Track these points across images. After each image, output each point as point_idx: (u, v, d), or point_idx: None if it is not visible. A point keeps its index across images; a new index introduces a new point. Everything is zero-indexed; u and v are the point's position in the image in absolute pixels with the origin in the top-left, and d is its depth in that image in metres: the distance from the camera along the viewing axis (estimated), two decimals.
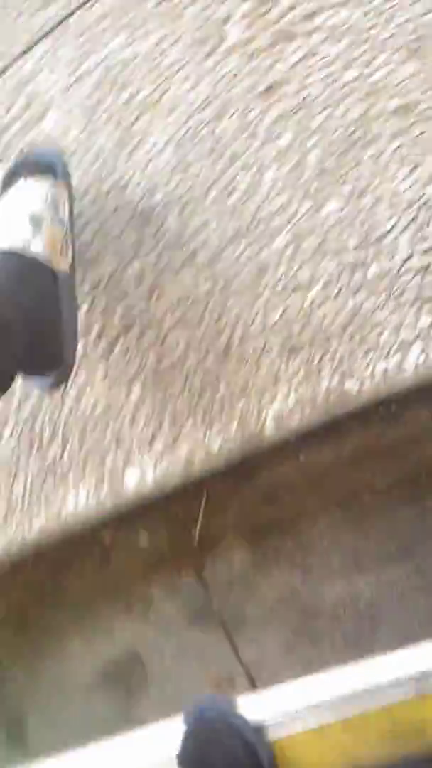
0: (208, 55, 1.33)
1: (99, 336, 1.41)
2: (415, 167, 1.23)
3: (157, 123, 1.37)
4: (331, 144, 1.27)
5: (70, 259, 1.33)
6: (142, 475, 1.38)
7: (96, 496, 1.43)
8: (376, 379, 1.25)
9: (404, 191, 1.24)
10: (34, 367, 1.30)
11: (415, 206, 1.23)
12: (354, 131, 1.26)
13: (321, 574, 1.37)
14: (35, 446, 1.47)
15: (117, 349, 1.38)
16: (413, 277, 1.23)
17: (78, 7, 1.43)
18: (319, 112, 1.28)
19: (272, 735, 1.32)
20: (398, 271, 1.24)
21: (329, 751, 1.28)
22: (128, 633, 1.52)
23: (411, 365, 1.23)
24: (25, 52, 1.45)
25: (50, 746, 1.58)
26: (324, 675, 1.34)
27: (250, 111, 1.31)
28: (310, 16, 1.28)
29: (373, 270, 1.25)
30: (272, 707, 1.35)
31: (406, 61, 1.23)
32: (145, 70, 1.37)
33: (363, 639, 1.35)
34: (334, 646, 1.37)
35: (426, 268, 1.23)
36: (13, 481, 1.50)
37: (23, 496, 1.49)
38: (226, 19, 1.32)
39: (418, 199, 1.23)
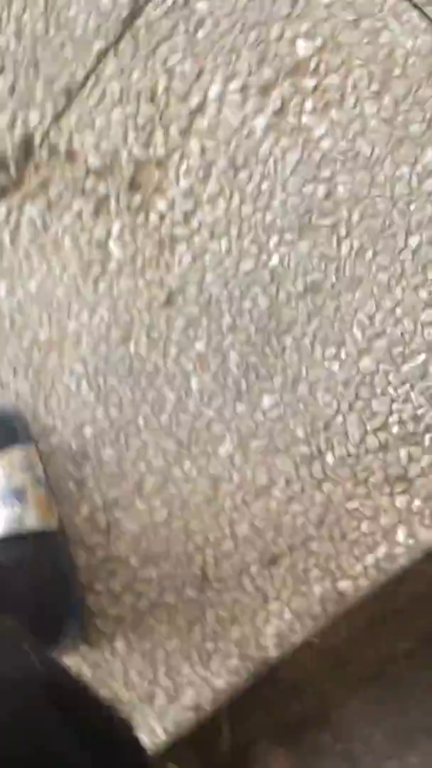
0: (98, 278, 0.98)
1: None
2: (340, 345, 0.88)
3: (66, 360, 1.02)
4: (248, 339, 0.93)
5: (56, 512, 1.02)
6: (151, 731, 1.00)
7: None
8: (369, 573, 0.90)
9: (337, 371, 0.89)
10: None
11: (353, 385, 0.89)
12: (268, 321, 0.91)
13: (369, 759, 1.01)
14: None
15: (88, 606, 1.03)
16: (374, 458, 0.88)
17: None
18: (227, 310, 0.93)
19: None
20: (357, 454, 0.89)
21: None
22: None
23: (401, 550, 0.87)
24: None
25: None
26: None
27: (156, 325, 0.97)
28: (189, 215, 0.94)
29: (330, 458, 0.90)
30: None
31: (299, 239, 0.90)
32: (39, 311, 1.02)
33: None
34: None
35: (384, 446, 0.88)
36: None
37: None
38: (105, 239, 0.96)
39: (354, 377, 0.88)
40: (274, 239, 0.92)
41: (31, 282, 1.02)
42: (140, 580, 0.99)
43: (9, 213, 1.01)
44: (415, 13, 0.85)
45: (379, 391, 0.89)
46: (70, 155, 0.99)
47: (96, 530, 1.02)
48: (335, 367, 0.91)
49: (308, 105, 0.91)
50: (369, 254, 0.89)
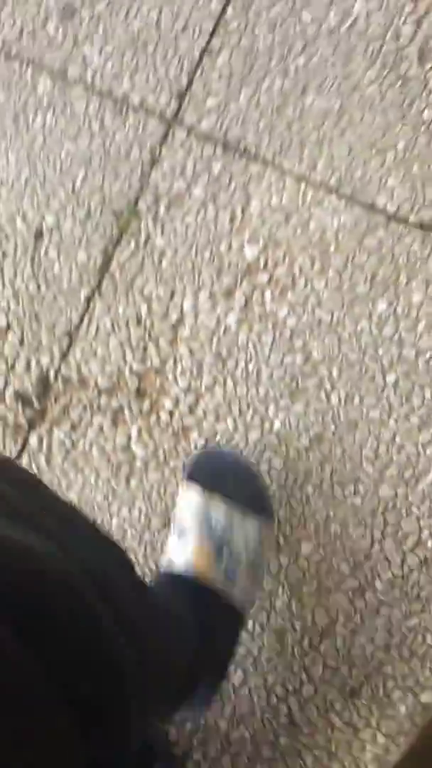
0: (129, 477, 0.85)
1: None
2: (357, 482, 0.77)
3: None
4: (272, 495, 0.77)
5: (255, 597, 0.76)
6: None
7: None
8: None
9: (360, 505, 0.77)
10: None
11: (379, 513, 0.77)
12: (286, 478, 0.80)
13: None
14: None
15: None
16: (419, 573, 0.75)
17: None
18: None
19: None
20: (402, 574, 0.75)
21: None
22: None
23: None
24: None
25: None
26: None
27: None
28: (193, 407, 0.83)
29: (379, 585, 0.77)
30: None
31: (293, 403, 0.80)
32: None
33: None
34: None
35: (425, 560, 0.75)
36: None
37: None
38: (127, 443, 0.85)
39: (378, 506, 0.76)
40: (272, 408, 0.82)
41: (71, 494, 0.89)
42: (233, 742, 0.81)
43: (41, 440, 0.89)
44: (333, 197, 0.79)
45: (404, 512, 0.77)
46: (82, 382, 0.88)
47: None
48: (357, 501, 0.79)
49: (267, 295, 0.83)
50: (356, 399, 0.80)
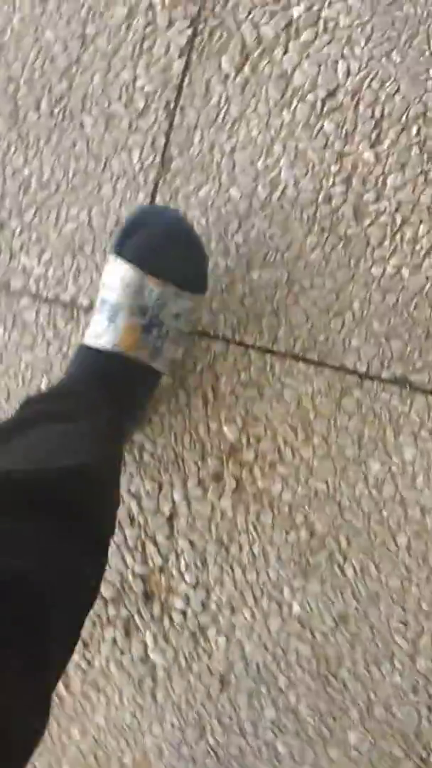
0: (153, 690, 0.68)
1: None
2: (391, 657, 0.62)
3: None
4: (309, 688, 0.62)
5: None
6: None
7: None
8: None
9: (401, 681, 0.62)
10: None
11: (421, 688, 0.61)
12: (318, 665, 0.64)
13: None
14: None
15: None
16: None
17: None
18: (278, 670, 0.65)
19: None
20: None
21: None
22: None
23: None
24: None
25: None
26: None
27: (222, 711, 0.64)
28: (205, 602, 0.67)
29: None
30: None
31: (307, 582, 0.63)
32: (115, 740, 0.68)
33: None
34: None
35: None
36: None
37: None
38: (144, 652, 0.69)
39: (418, 680, 0.62)
40: (287, 591, 0.67)
41: (98, 716, 0.72)
42: None
43: None
44: (300, 364, 0.64)
45: None
46: None
47: None
48: (397, 678, 0.64)
49: (257, 472, 0.69)
50: (372, 568, 0.65)
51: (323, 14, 0.66)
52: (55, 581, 0.42)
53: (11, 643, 0.38)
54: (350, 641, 0.65)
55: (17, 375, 0.74)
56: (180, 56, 0.68)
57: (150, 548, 0.71)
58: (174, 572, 0.70)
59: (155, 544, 0.71)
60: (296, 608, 0.67)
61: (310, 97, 0.66)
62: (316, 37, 0.66)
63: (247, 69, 0.67)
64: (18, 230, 0.73)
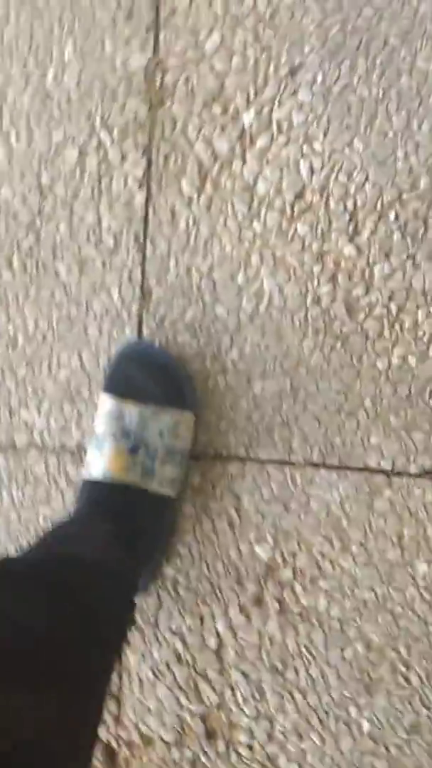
0: None
1: None
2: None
3: None
4: None
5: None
6: None
7: None
8: None
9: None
10: None
11: None
12: None
13: None
14: None
15: None
16: None
17: None
18: None
19: None
20: None
21: None
22: None
23: None
24: None
25: None
26: None
27: None
28: (270, 732, 0.54)
29: None
30: None
31: (373, 697, 0.51)
32: None
33: None
34: None
35: None
36: None
37: None
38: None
39: None
40: (353, 710, 0.54)
41: None
42: None
43: None
44: (322, 471, 0.53)
45: None
46: (147, 741, 0.61)
47: None
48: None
49: (298, 589, 0.57)
50: None
51: (275, 116, 0.56)
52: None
53: None
54: (427, 750, 0.53)
55: (38, 530, 0.65)
56: (140, 188, 0.58)
57: (203, 686, 0.60)
58: (232, 707, 0.59)
59: (207, 680, 0.59)
60: (366, 725, 0.55)
61: (277, 202, 0.56)
62: (272, 141, 0.55)
63: (208, 187, 0.57)
64: (14, 387, 0.64)
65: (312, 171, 0.55)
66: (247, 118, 0.55)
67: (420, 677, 0.54)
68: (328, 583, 0.56)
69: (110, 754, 0.61)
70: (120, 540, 0.52)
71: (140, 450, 0.53)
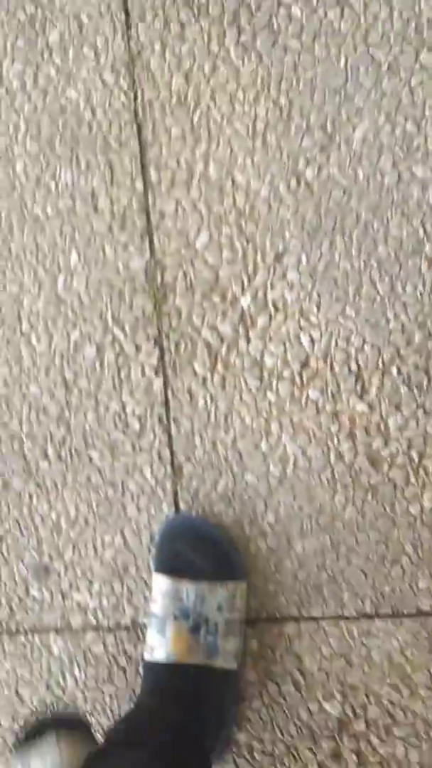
0: None
1: None
2: None
3: None
4: None
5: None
6: None
7: None
8: None
9: None
10: None
11: None
12: None
13: None
14: None
15: None
16: None
17: None
18: None
19: None
20: None
21: None
22: None
23: None
24: None
25: None
26: None
27: None
28: None
29: None
30: None
31: None
32: None
33: None
34: None
35: None
36: None
37: None
38: None
39: None
40: None
41: None
42: None
43: None
44: (376, 621, 0.46)
45: None
46: None
47: None
48: None
49: (374, 740, 0.46)
50: None
51: (269, 297, 0.51)
52: None
53: None
54: None
55: (105, 710, 0.55)
56: (156, 374, 0.53)
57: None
58: None
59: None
60: None
61: (286, 373, 0.50)
62: (271, 320, 0.50)
63: (220, 367, 0.51)
64: (63, 571, 0.56)
65: (312, 341, 0.50)
66: (245, 302, 0.51)
67: None
68: (402, 730, 0.47)
69: None
70: (191, 725, 0.45)
71: (201, 628, 0.46)
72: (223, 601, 0.47)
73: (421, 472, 0.47)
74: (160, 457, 0.52)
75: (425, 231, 0.47)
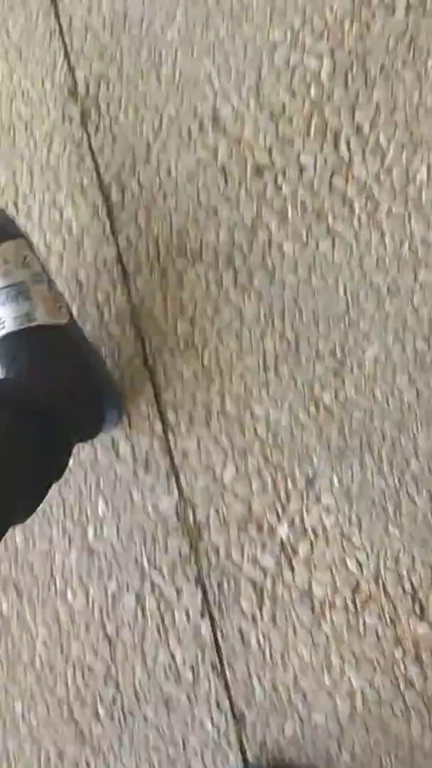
0: None
1: None
2: None
3: None
4: None
5: (65, 310, 0.48)
6: None
7: None
8: None
9: None
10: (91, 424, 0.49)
11: None
12: None
13: None
14: None
15: None
16: None
17: None
18: None
19: None
20: None
21: None
22: None
23: None
24: None
25: None
26: None
27: None
28: None
29: None
30: None
31: None
32: None
33: None
34: None
35: None
36: None
37: None
38: None
39: None
40: None
41: None
42: None
43: None
44: None
45: None
46: None
47: None
48: None
49: None
50: None
51: (307, 523, 0.50)
52: None
53: None
54: None
55: None
56: (202, 617, 0.50)
57: None
58: None
59: None
60: None
61: (338, 601, 0.49)
62: (312, 547, 0.48)
63: (268, 602, 0.49)
64: None
65: (360, 564, 0.49)
66: (283, 531, 0.50)
67: None
68: None
69: None
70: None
71: None
72: None
73: None
74: (218, 707, 0.49)
75: None
